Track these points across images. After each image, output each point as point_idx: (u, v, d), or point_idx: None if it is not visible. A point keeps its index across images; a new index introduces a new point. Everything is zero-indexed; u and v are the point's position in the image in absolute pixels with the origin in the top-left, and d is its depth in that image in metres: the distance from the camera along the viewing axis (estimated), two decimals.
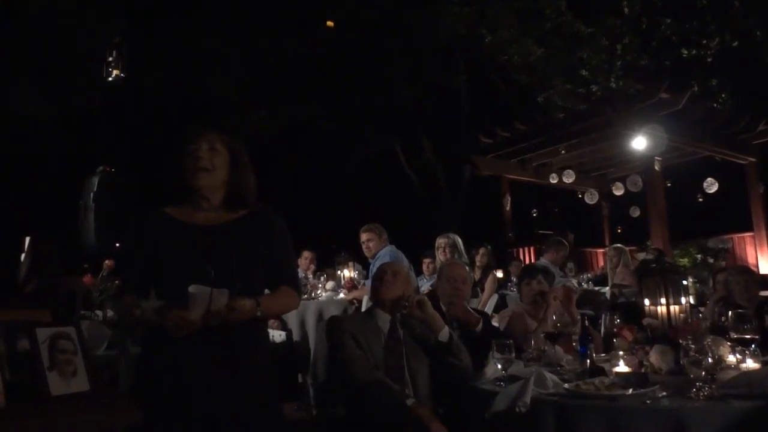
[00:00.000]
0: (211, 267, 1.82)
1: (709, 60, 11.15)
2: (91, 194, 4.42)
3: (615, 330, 2.87)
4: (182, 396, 1.86)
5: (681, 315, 2.75)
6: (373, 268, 4.66)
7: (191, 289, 1.76)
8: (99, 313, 4.20)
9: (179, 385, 1.87)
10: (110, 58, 5.96)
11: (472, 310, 3.44)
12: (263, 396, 1.99)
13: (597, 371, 2.38)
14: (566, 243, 7.09)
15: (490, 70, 12.57)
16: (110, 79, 5.98)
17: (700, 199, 10.93)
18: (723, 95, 11.10)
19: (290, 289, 2.10)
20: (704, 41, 11.15)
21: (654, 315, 2.81)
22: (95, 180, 4.51)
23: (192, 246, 1.96)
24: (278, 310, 2.22)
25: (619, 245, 7.48)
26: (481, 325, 3.26)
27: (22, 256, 3.38)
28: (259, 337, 2.06)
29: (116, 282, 3.33)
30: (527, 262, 10.05)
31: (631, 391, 2.06)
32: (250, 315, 1.91)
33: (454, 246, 5.82)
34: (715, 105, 9.68)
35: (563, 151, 10.03)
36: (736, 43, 10.97)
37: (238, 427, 1.89)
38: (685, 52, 11.27)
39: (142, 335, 2.03)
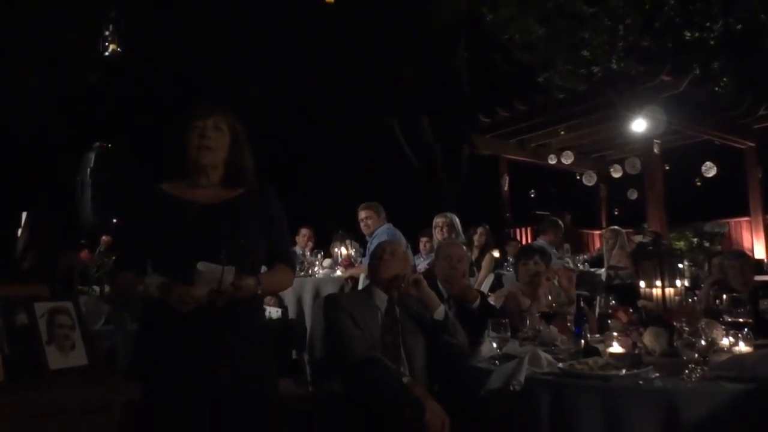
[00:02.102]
0: (214, 245, 1.83)
1: (712, 43, 11.08)
2: (88, 170, 4.40)
3: (610, 311, 2.90)
4: (181, 373, 1.87)
5: (676, 298, 2.77)
6: (371, 246, 4.67)
7: (200, 266, 1.76)
8: (96, 288, 4.22)
9: (178, 361, 1.88)
10: (106, 33, 5.88)
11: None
12: (261, 371, 2.00)
13: (591, 351, 2.40)
14: (561, 224, 7.11)
15: (491, 49, 12.49)
16: (107, 53, 5.91)
17: (698, 183, 10.91)
18: (725, 79, 11.04)
19: (286, 267, 2.13)
20: (708, 23, 11.07)
21: (649, 297, 2.83)
22: (92, 156, 4.49)
23: (193, 223, 1.96)
24: (276, 288, 2.24)
25: (615, 227, 7.49)
26: (478, 302, 3.28)
27: (19, 231, 3.37)
28: (256, 314, 2.09)
29: (113, 258, 3.33)
30: (524, 242, 10.07)
31: (624, 371, 2.08)
32: (253, 292, 1.93)
33: (451, 225, 5.82)
34: (716, 88, 9.64)
35: (563, 132, 10.00)
36: (740, 26, 10.89)
37: (237, 403, 1.90)
38: (688, 34, 11.19)
39: (141, 312, 2.04)
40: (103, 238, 4.85)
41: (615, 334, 2.49)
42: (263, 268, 2.08)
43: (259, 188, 2.12)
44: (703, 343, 2.10)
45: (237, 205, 2.04)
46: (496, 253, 6.99)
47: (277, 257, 2.11)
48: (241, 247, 1.93)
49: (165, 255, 1.93)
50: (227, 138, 2.05)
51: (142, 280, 1.85)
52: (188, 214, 1.98)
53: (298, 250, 6.65)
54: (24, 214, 3.35)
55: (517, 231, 11.25)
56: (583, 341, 2.52)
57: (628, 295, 3.10)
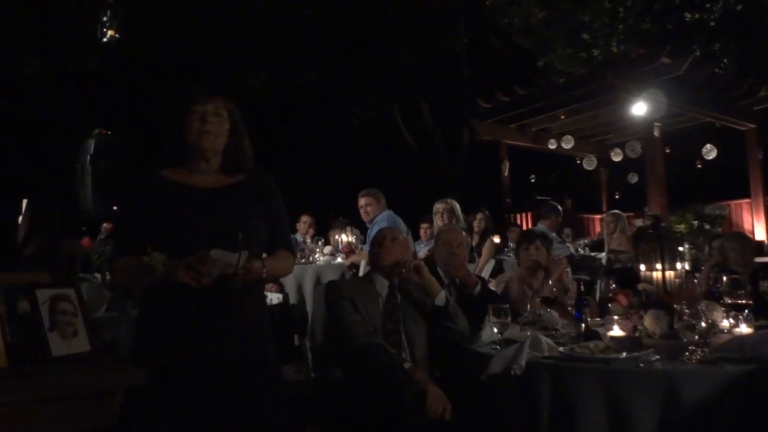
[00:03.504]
0: (216, 229, 1.84)
1: (712, 24, 11.00)
2: (88, 157, 4.39)
3: (610, 295, 2.90)
4: (180, 357, 1.87)
5: (676, 280, 2.78)
6: (371, 233, 4.68)
7: (213, 254, 1.76)
8: (98, 275, 4.22)
9: (178, 346, 1.88)
10: (104, 19, 5.83)
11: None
12: (265, 353, 2.01)
13: (592, 335, 2.41)
14: (561, 209, 7.12)
15: (490, 33, 12.41)
16: (105, 40, 5.87)
17: (699, 166, 10.89)
18: (725, 60, 10.98)
19: (287, 252, 2.14)
20: (708, 4, 10.99)
21: (649, 280, 2.84)
22: (92, 142, 4.48)
23: (193, 208, 1.96)
24: (279, 272, 2.24)
25: (616, 211, 7.50)
26: (479, 288, 3.29)
27: (20, 218, 3.38)
28: (257, 298, 2.09)
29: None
30: (525, 227, 10.07)
31: (624, 354, 2.09)
32: (259, 276, 1.93)
33: (451, 211, 5.81)
34: (716, 70, 9.58)
35: (563, 117, 9.96)
36: (740, 7, 10.81)
37: (240, 388, 1.90)
38: (688, 15, 11.11)
39: (141, 296, 2.04)
40: (104, 225, 4.84)
41: (615, 317, 2.50)
42: (263, 255, 2.08)
43: (257, 175, 2.13)
44: (703, 325, 2.10)
45: (237, 190, 2.05)
46: (497, 239, 7.00)
47: (278, 242, 2.11)
48: (247, 230, 1.93)
49: (166, 240, 1.91)
50: (226, 124, 2.05)
51: (146, 254, 1.83)
52: (189, 199, 1.98)
53: (298, 237, 6.65)
54: (24, 202, 3.35)
55: (518, 216, 11.25)
56: (583, 325, 2.53)
57: (629, 278, 3.10)
